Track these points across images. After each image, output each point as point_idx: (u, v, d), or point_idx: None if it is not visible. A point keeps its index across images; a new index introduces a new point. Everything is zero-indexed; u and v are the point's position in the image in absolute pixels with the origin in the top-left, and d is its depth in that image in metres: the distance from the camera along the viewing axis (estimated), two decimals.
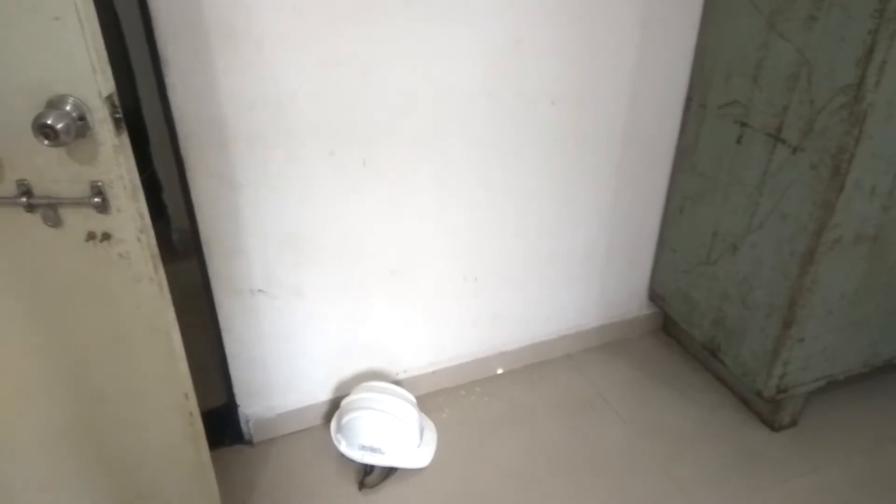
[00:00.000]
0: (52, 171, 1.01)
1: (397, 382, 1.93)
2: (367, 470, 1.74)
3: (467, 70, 1.57)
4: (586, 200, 1.93)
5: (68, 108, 0.95)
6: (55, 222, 1.06)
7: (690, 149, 1.89)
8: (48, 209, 1.05)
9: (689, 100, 1.86)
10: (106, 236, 1.08)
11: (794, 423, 1.90)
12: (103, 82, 0.95)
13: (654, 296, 2.21)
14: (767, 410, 1.90)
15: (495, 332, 2.05)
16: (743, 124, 1.67)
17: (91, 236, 1.08)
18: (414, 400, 1.83)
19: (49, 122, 0.91)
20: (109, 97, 0.97)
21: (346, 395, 1.83)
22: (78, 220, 1.06)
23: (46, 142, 0.92)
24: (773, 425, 1.88)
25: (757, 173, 1.65)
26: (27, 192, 1.02)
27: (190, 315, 1.68)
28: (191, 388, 1.32)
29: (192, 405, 1.33)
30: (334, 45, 1.42)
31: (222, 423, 1.85)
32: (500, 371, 2.13)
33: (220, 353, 1.72)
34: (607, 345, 2.27)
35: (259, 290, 1.64)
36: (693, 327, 2.02)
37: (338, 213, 1.62)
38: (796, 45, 1.47)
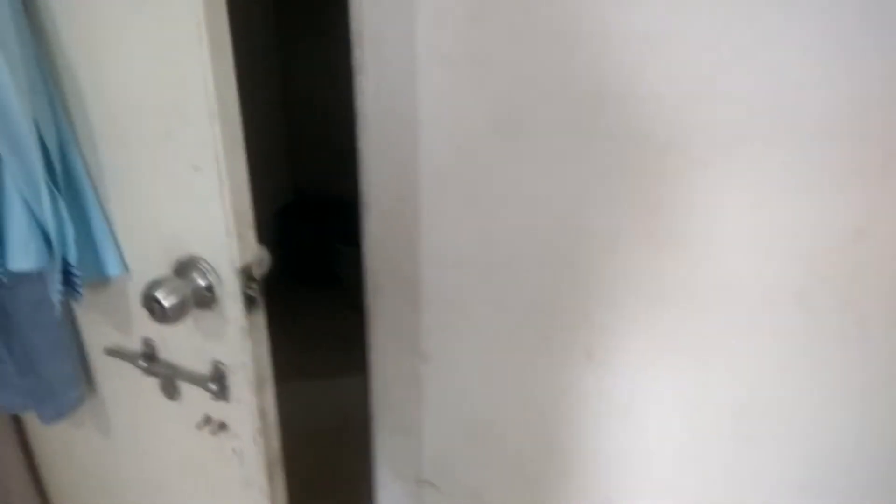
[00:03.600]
0: (177, 337, 0.81)
1: None
2: None
3: (776, 262, 1.07)
4: None
5: (195, 273, 0.74)
6: (171, 394, 0.86)
7: None
8: (167, 379, 0.85)
9: None
10: (222, 426, 0.85)
11: None
12: (237, 250, 0.72)
13: None
14: None
15: None
16: None
17: (207, 421, 0.85)
18: None
19: (156, 294, 0.69)
20: (244, 269, 0.73)
21: None
22: (196, 400, 0.85)
23: (151, 316, 0.70)
24: None
25: None
26: (150, 355, 0.84)
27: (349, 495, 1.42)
28: None
29: None
30: (567, 210, 1.06)
31: None
32: None
33: None
34: None
35: (427, 482, 1.31)
36: None
37: (541, 408, 1.23)
38: None
